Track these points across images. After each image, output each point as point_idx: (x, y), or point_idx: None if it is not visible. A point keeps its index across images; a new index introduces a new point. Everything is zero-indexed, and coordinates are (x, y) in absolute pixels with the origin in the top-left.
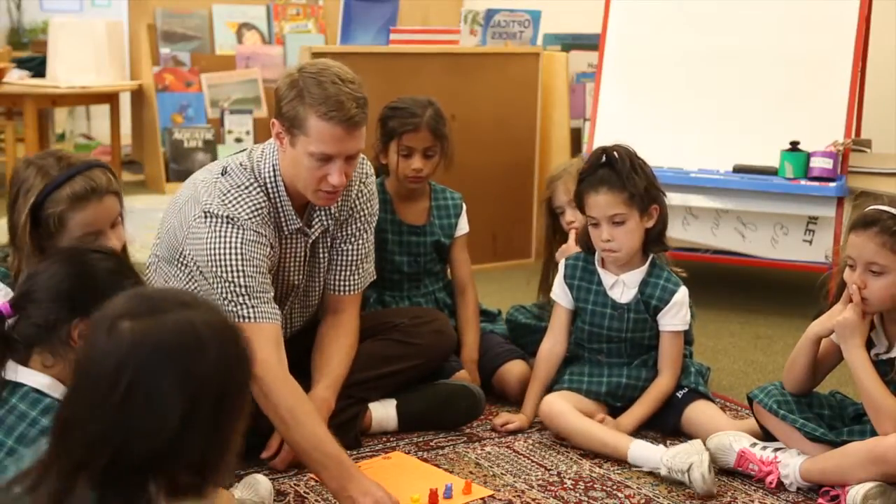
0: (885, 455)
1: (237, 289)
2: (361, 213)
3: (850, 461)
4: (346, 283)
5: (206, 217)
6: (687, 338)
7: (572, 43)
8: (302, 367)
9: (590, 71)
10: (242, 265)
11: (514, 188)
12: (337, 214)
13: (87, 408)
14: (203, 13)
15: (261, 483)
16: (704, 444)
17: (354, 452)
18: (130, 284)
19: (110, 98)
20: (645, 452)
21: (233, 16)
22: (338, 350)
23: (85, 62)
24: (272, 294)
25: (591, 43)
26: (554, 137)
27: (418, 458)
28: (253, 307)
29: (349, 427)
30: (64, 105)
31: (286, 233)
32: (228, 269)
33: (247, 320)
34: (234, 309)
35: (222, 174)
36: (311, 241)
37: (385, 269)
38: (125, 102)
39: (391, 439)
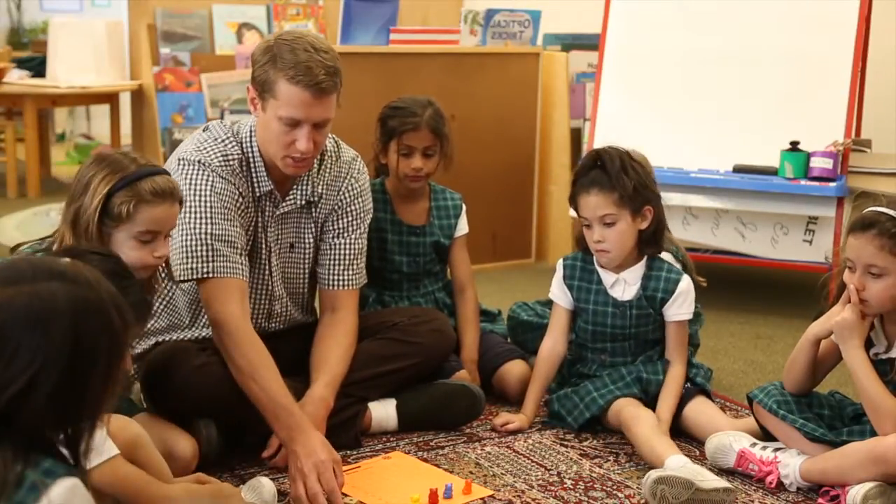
0: (884, 455)
1: (203, 237)
2: (352, 208)
3: (849, 461)
4: (340, 277)
5: (178, 163)
6: (693, 340)
7: (572, 43)
8: (301, 366)
9: (590, 71)
10: (210, 212)
11: (514, 188)
12: (315, 197)
13: None
14: (203, 13)
15: (264, 486)
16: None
17: (354, 452)
18: (129, 286)
19: (110, 98)
20: (671, 465)
21: (233, 16)
22: (336, 348)
23: (85, 62)
24: (240, 245)
25: (591, 43)
26: (554, 137)
27: (418, 457)
28: (214, 261)
29: (349, 426)
30: (64, 105)
31: (258, 194)
32: (196, 213)
33: (209, 275)
34: (196, 265)
35: (203, 130)
36: (279, 213)
37: (385, 269)
38: (125, 102)
39: (391, 439)
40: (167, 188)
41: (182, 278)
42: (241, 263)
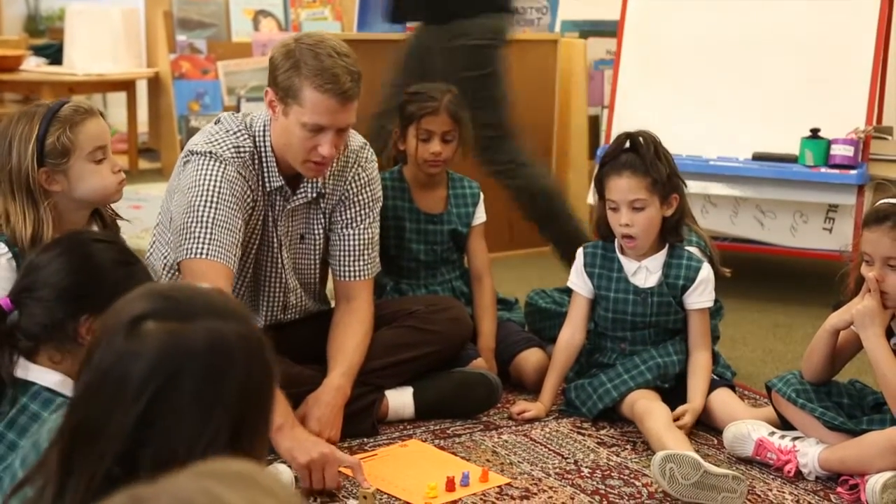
0: None
1: (202, 219)
2: (360, 198)
3: (869, 450)
4: (351, 268)
5: (189, 155)
6: (713, 333)
7: (590, 30)
8: (317, 354)
9: (608, 58)
10: (216, 196)
11: None
12: (325, 189)
13: (106, 413)
14: (219, 0)
15: (283, 473)
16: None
17: (371, 440)
18: (137, 271)
19: (127, 85)
20: None
21: (249, 3)
22: (352, 337)
23: (102, 49)
24: (237, 238)
25: (610, 30)
26: (572, 125)
27: (435, 446)
28: (209, 242)
29: (365, 415)
30: (81, 92)
31: (268, 189)
32: (200, 197)
33: (201, 255)
34: (191, 245)
35: (215, 123)
36: (289, 207)
37: (402, 257)
38: (142, 90)
39: (408, 427)
40: (84, 105)
41: (178, 258)
42: (234, 254)
